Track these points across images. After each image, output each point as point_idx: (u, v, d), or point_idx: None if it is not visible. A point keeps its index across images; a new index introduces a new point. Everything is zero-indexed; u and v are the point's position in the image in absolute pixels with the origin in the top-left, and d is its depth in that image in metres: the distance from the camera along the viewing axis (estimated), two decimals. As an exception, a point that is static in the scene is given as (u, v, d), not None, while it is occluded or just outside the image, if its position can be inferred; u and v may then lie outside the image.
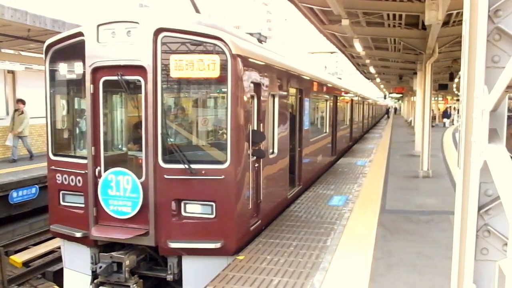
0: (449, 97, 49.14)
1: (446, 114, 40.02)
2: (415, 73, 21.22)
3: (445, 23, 11.65)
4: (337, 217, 8.24)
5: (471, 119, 2.16)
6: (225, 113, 6.22)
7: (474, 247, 2.13)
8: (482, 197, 2.11)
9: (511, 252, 1.79)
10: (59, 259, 9.21)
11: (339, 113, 16.85)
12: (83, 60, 6.45)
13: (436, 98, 40.59)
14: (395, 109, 74.77)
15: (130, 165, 6.72)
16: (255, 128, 7.01)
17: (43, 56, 6.99)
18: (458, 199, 2.35)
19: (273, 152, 8.01)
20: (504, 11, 1.91)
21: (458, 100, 42.18)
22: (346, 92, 19.09)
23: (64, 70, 6.79)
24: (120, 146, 7.43)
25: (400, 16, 12.26)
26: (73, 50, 6.59)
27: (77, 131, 7.32)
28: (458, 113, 37.25)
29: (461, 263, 2.28)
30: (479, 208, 2.11)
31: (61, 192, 6.91)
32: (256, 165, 7.05)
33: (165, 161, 6.22)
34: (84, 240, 6.61)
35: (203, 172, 6.12)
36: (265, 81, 7.35)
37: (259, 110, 7.10)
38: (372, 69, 27.18)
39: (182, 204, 6.25)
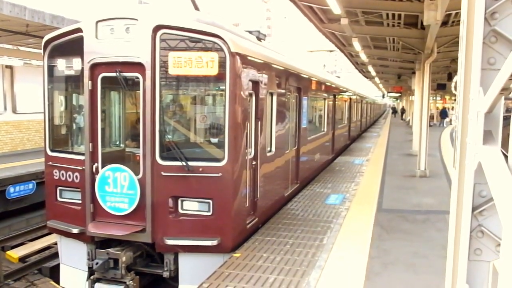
0: (447, 97, 49.19)
1: (443, 114, 39.80)
2: (414, 73, 21.26)
3: (444, 23, 11.67)
4: (334, 216, 8.26)
5: (466, 121, 2.17)
6: (223, 110, 6.23)
7: (467, 248, 2.14)
8: (476, 198, 2.12)
9: (503, 252, 1.81)
10: (55, 255, 9.22)
11: (337, 112, 16.87)
12: (81, 56, 6.44)
13: (434, 98, 40.62)
14: (393, 109, 70.82)
15: (128, 161, 6.72)
16: (253, 126, 7.02)
17: (41, 51, 6.98)
18: (453, 200, 2.37)
19: (270, 150, 8.02)
20: (500, 14, 1.92)
21: (455, 100, 42.10)
22: (345, 91, 19.10)
23: (62, 66, 6.78)
24: (118, 143, 7.43)
25: (399, 15, 12.27)
26: (71, 46, 6.58)
27: (75, 127, 7.32)
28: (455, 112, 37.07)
29: (455, 263, 2.30)
30: (473, 209, 2.12)
31: (58, 188, 6.91)
32: (254, 163, 7.06)
33: (162, 158, 6.22)
34: (81, 236, 6.62)
35: (200, 169, 6.14)
36: (264, 79, 7.35)
37: (257, 108, 7.10)
38: (370, 68, 27.20)
39: (179, 201, 6.26)
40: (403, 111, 53.43)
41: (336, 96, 16.31)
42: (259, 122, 7.17)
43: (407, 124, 39.17)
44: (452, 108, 46.14)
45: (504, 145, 3.22)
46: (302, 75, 10.42)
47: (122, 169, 6.24)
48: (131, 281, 6.17)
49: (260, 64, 7.22)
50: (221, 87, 6.32)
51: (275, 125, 8.18)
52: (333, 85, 15.61)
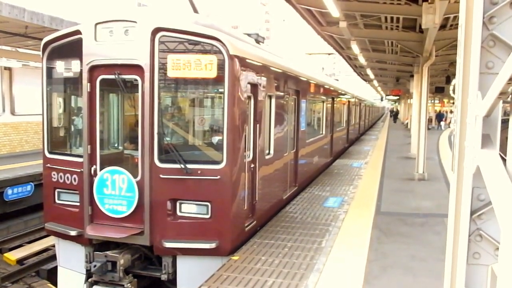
0: (445, 100, 49.24)
1: (440, 117, 39.93)
2: (412, 76, 21.30)
3: (443, 27, 11.69)
4: (332, 219, 8.25)
5: (465, 124, 2.17)
6: (221, 113, 6.23)
7: (466, 251, 2.14)
8: (474, 202, 2.12)
9: (502, 256, 1.81)
10: (53, 257, 9.19)
11: (336, 114, 16.88)
12: (80, 58, 6.44)
13: (432, 101, 40.68)
14: (391, 111, 70.17)
15: (126, 164, 6.71)
16: (252, 129, 7.02)
17: (40, 53, 6.97)
18: (451, 203, 2.37)
19: (269, 153, 8.02)
20: (498, 18, 1.93)
21: (453, 103, 42.05)
22: (343, 94, 19.12)
23: (61, 68, 6.78)
24: (116, 145, 7.42)
25: (398, 19, 12.28)
26: (70, 48, 6.58)
27: (73, 129, 7.31)
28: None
29: (454, 267, 2.30)
30: (472, 213, 2.12)
31: (57, 190, 6.90)
32: (252, 165, 7.06)
33: (161, 161, 6.22)
34: (79, 239, 6.60)
35: (199, 172, 6.13)
36: (262, 82, 7.36)
37: (255, 111, 7.10)
38: (369, 71, 27.22)
39: (178, 204, 6.25)
40: (396, 114, 57.87)
41: (335, 99, 16.32)
42: (258, 125, 7.17)
43: (406, 127, 39.21)
44: (451, 111, 46.17)
45: (503, 148, 3.23)
46: (301, 78, 10.43)
47: (121, 171, 6.23)
48: (129, 284, 6.15)
49: (259, 67, 7.23)
50: (219, 90, 6.33)
51: (274, 128, 8.18)
52: (331, 88, 15.63)
